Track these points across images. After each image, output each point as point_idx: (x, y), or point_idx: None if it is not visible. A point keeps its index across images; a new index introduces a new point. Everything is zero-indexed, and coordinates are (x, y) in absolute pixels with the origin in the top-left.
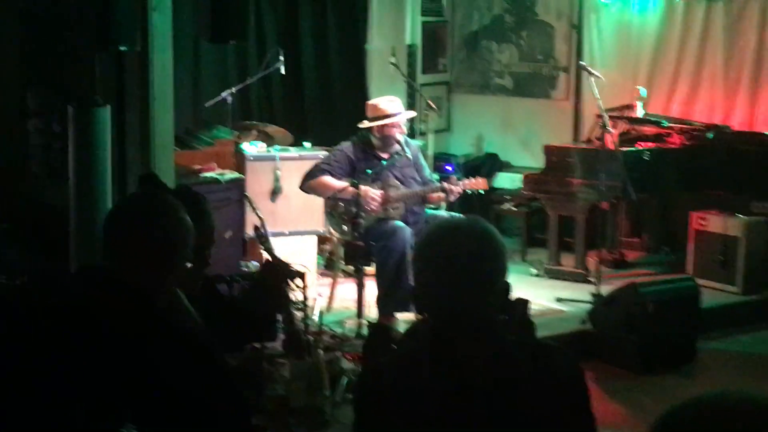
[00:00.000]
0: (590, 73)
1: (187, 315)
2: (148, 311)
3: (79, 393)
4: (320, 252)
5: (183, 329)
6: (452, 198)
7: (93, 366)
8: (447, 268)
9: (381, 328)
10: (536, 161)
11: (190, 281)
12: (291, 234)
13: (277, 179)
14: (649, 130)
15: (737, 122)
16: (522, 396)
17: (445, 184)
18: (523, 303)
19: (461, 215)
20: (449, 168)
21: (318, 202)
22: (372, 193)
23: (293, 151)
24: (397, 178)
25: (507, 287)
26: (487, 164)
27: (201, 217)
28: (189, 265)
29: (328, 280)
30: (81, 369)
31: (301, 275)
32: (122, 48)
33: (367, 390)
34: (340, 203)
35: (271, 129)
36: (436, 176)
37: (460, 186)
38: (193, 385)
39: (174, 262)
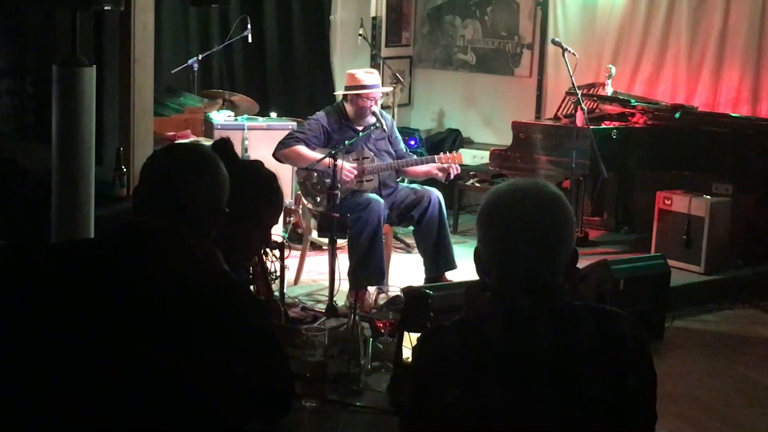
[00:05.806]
0: (565, 50)
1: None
2: (190, 259)
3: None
4: (284, 224)
5: (228, 276)
6: (453, 174)
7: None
8: (526, 231)
9: (418, 296)
10: (498, 138)
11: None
12: None
13: (245, 149)
14: (612, 109)
15: (700, 103)
16: (587, 358)
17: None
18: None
19: (524, 179)
20: (413, 142)
21: (286, 174)
22: (348, 166)
23: (261, 121)
24: (371, 150)
25: (575, 253)
26: (449, 140)
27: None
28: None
29: (294, 252)
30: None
31: (280, 246)
32: (106, 7)
33: (429, 352)
34: (314, 174)
35: (237, 98)
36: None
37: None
38: (241, 334)
39: (216, 214)
